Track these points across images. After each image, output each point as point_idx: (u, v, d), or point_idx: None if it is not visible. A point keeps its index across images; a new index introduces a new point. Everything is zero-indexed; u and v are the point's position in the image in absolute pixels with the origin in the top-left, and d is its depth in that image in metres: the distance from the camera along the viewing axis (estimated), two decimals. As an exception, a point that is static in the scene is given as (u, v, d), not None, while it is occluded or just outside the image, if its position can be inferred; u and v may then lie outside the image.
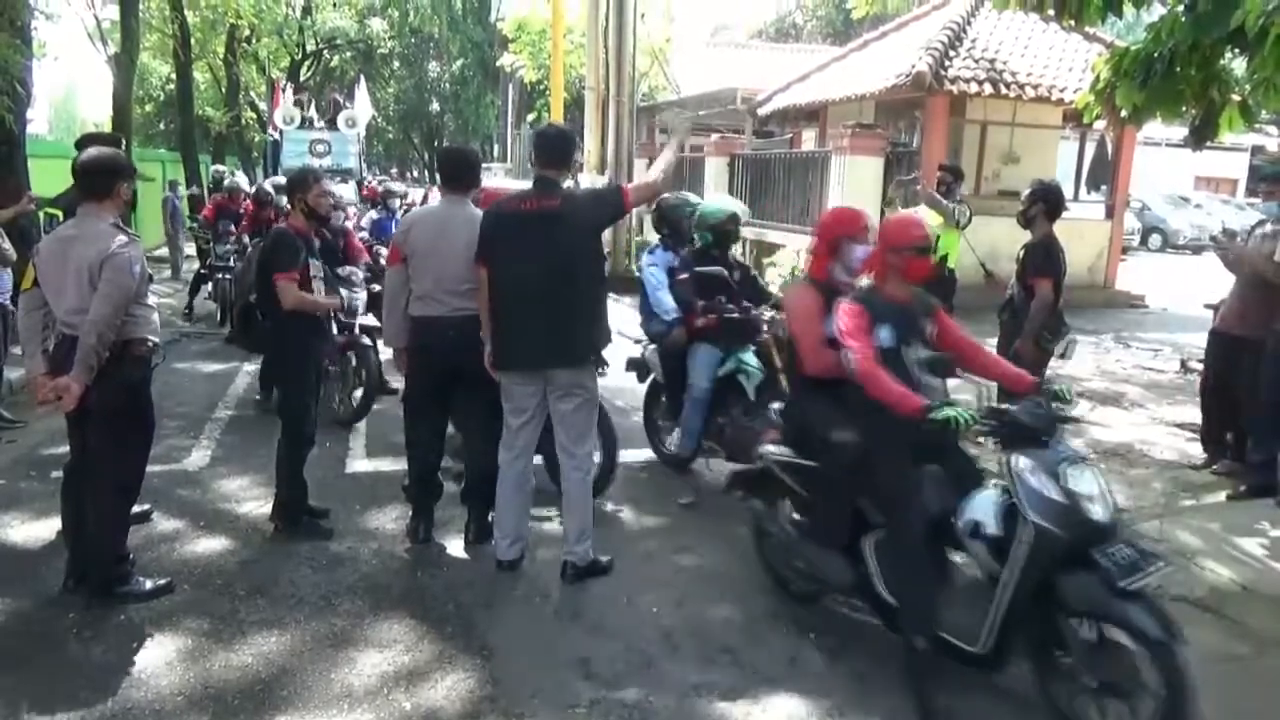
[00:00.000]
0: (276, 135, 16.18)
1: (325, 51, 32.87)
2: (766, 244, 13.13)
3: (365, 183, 8.71)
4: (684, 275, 5.24)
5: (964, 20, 12.89)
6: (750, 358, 5.11)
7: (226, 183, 11.21)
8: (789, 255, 11.59)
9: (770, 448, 3.74)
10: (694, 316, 5.16)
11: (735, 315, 5.11)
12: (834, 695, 3.27)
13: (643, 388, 5.81)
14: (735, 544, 4.52)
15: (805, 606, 3.91)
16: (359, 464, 5.63)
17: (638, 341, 5.71)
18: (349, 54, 34.01)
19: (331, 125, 16.57)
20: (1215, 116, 7.59)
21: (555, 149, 4.07)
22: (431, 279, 4.19)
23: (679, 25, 23.02)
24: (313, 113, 17.18)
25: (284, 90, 18.40)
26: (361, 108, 17.49)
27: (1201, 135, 8.11)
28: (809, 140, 16.73)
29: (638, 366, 5.73)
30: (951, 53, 12.18)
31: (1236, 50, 6.50)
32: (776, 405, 4.07)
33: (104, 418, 3.63)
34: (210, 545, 4.39)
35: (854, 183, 10.89)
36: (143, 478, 3.93)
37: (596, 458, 4.36)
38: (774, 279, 11.42)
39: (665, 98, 21.95)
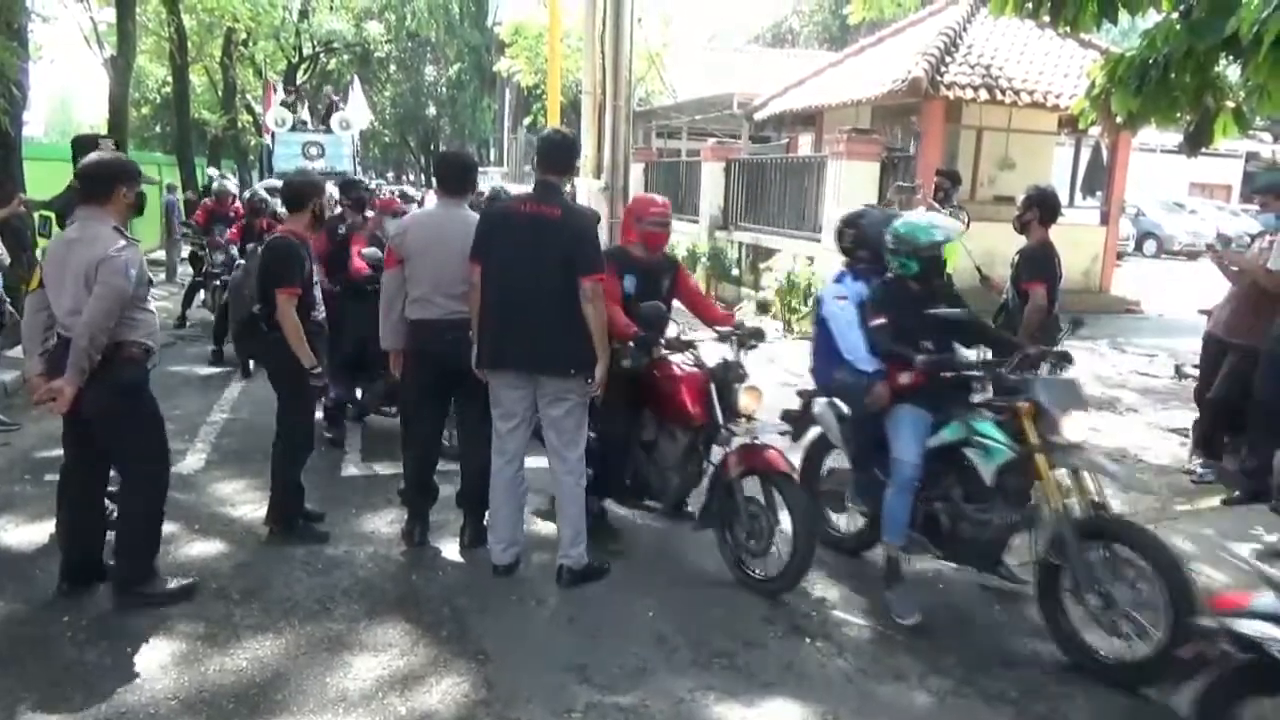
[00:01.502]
0: (267, 139, 16.13)
1: (322, 55, 32.86)
2: (763, 249, 13.14)
3: (374, 192, 8.05)
4: (880, 320, 3.99)
5: (960, 26, 12.92)
6: (989, 428, 3.76)
7: (215, 186, 10.86)
8: (786, 260, 11.60)
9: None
10: (898, 368, 3.93)
11: (967, 373, 3.96)
12: (829, 700, 3.28)
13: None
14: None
15: (802, 610, 3.91)
16: (354, 467, 5.62)
17: (802, 393, 4.61)
18: (346, 57, 33.99)
19: (325, 127, 16.27)
20: (1210, 123, 7.62)
21: (559, 154, 4.11)
22: (429, 282, 4.19)
23: (676, 30, 23.04)
24: (306, 114, 16.93)
25: (275, 91, 18.14)
26: (356, 109, 17.19)
27: (1196, 141, 8.14)
28: (805, 145, 16.75)
29: (796, 421, 4.57)
30: (947, 59, 12.20)
31: (1231, 57, 6.53)
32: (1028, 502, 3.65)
33: (103, 421, 3.63)
34: (205, 549, 4.39)
35: (850, 187, 10.90)
36: (168, 475, 3.94)
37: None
38: (769, 284, 11.44)
39: (662, 102, 21.99)
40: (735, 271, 13.90)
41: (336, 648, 3.52)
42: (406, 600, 3.93)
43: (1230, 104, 7.30)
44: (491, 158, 36.68)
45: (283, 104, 16.58)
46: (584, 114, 14.33)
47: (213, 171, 17.06)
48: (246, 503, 4.94)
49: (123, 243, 3.58)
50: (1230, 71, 6.71)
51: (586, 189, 12.19)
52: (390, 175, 46.03)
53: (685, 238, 14.25)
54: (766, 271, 11.87)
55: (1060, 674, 3.46)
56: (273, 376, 4.46)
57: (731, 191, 14.72)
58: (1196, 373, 6.10)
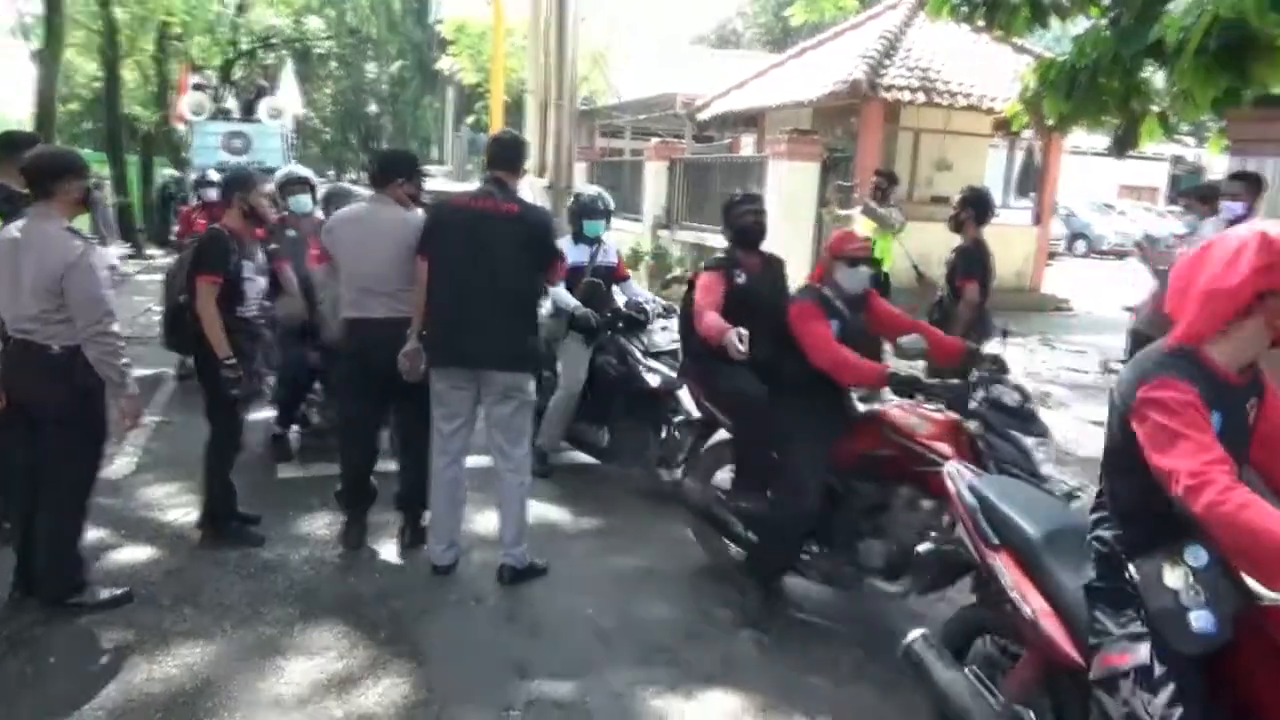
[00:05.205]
0: (181, 127, 14.37)
1: (259, 50, 32.18)
2: (706, 248, 13.21)
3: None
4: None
5: (899, 30, 13.17)
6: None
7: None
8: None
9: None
10: None
11: None
12: (768, 691, 3.31)
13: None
14: (671, 544, 4.56)
15: (744, 604, 3.95)
16: (291, 469, 5.52)
17: None
18: (284, 53, 33.33)
19: (250, 116, 14.45)
20: (1136, 127, 7.87)
21: (509, 153, 4.15)
22: (362, 280, 4.14)
23: (621, 30, 23.03)
24: (231, 103, 15.30)
25: (190, 74, 16.42)
26: (288, 96, 15.51)
27: (1124, 144, 8.41)
28: (748, 145, 16.89)
29: None
30: (886, 62, 12.42)
31: (1156, 63, 6.75)
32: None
33: (57, 425, 3.52)
34: (134, 555, 4.26)
35: (791, 187, 11.03)
36: (94, 484, 3.80)
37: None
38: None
39: (606, 102, 21.99)
40: (678, 271, 13.96)
41: (270, 652, 3.45)
42: (343, 602, 3.87)
43: (1155, 109, 7.55)
44: (434, 156, 36.27)
45: (197, 87, 15.03)
46: (529, 113, 14.28)
47: (170, 172, 15.76)
48: (177, 507, 4.82)
49: (79, 244, 3.45)
50: (1156, 77, 6.95)
51: (530, 187, 12.13)
52: (331, 173, 45.23)
53: (629, 237, 14.26)
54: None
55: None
56: (199, 371, 4.35)
57: (675, 191, 14.79)
58: (1122, 368, 6.31)
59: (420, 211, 4.24)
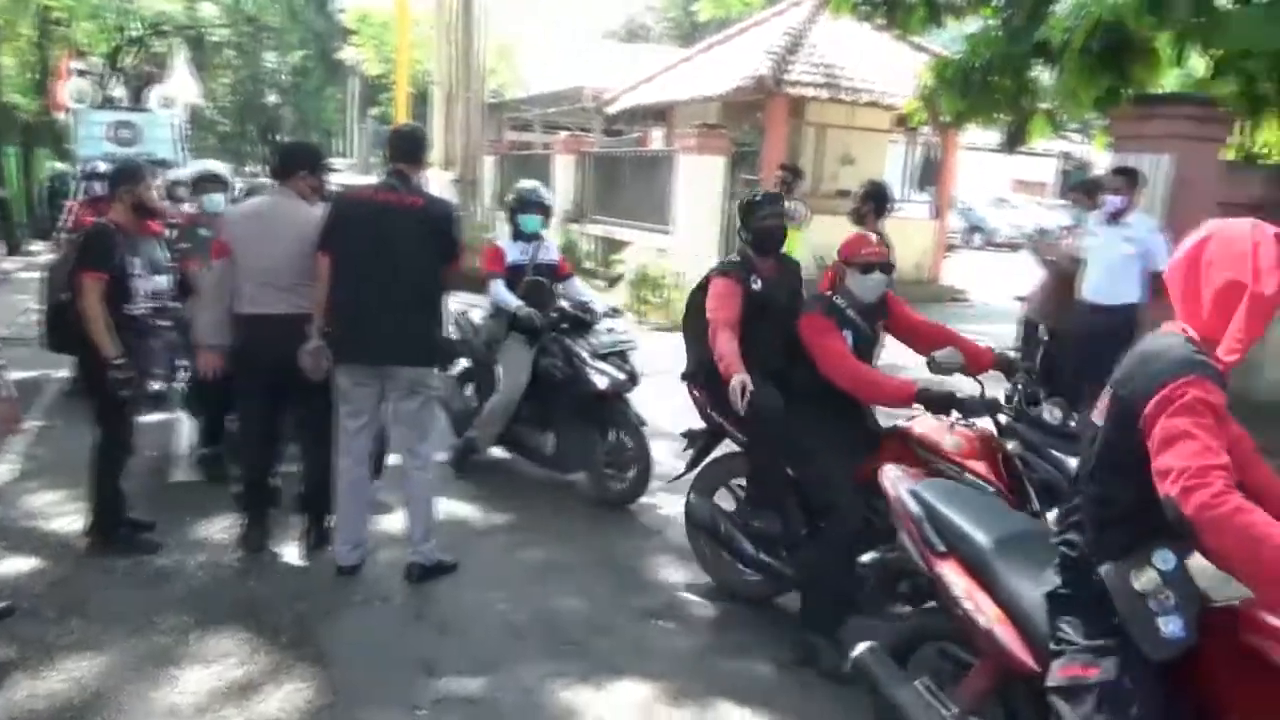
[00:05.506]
0: (63, 116, 13.39)
1: (150, 37, 30.79)
2: (615, 241, 13.25)
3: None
4: None
5: (803, 27, 13.40)
6: None
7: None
8: (637, 252, 11.74)
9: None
10: None
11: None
12: (679, 677, 3.35)
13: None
14: (579, 537, 4.58)
15: (650, 594, 3.99)
16: (187, 472, 5.31)
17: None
18: (177, 40, 31.97)
19: (140, 105, 13.54)
20: (1026, 124, 8.21)
21: (410, 145, 4.05)
22: (261, 275, 4.00)
23: (529, 22, 22.87)
24: (119, 91, 14.53)
25: (70, 61, 15.05)
26: (181, 84, 14.52)
27: (1014, 141, 8.76)
28: (658, 139, 16.99)
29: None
30: (791, 58, 12.64)
31: (1044, 63, 7.05)
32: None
33: None
34: (15, 566, 4.03)
35: (699, 181, 11.15)
36: None
37: None
38: (623, 273, 11.55)
39: (515, 95, 21.79)
40: (588, 264, 13.96)
41: (164, 662, 3.32)
42: (243, 608, 3.74)
43: (1044, 107, 7.89)
44: (338, 148, 35.38)
45: (80, 74, 13.87)
46: (435, 105, 14.04)
47: (57, 165, 14.54)
48: (62, 515, 4.57)
49: None
50: (1045, 77, 7.26)
51: (437, 181, 11.95)
52: (231, 167, 43.61)
53: (539, 231, 14.17)
54: (619, 264, 11.98)
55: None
56: (84, 373, 4.15)
57: (584, 185, 14.77)
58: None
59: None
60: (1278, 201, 5.60)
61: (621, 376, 4.86)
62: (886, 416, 3.77)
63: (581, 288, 5.50)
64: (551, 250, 5.48)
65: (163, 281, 4.29)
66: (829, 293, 3.71)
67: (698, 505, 3.96)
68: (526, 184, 5.55)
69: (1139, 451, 1.88)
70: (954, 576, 2.41)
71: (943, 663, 2.64)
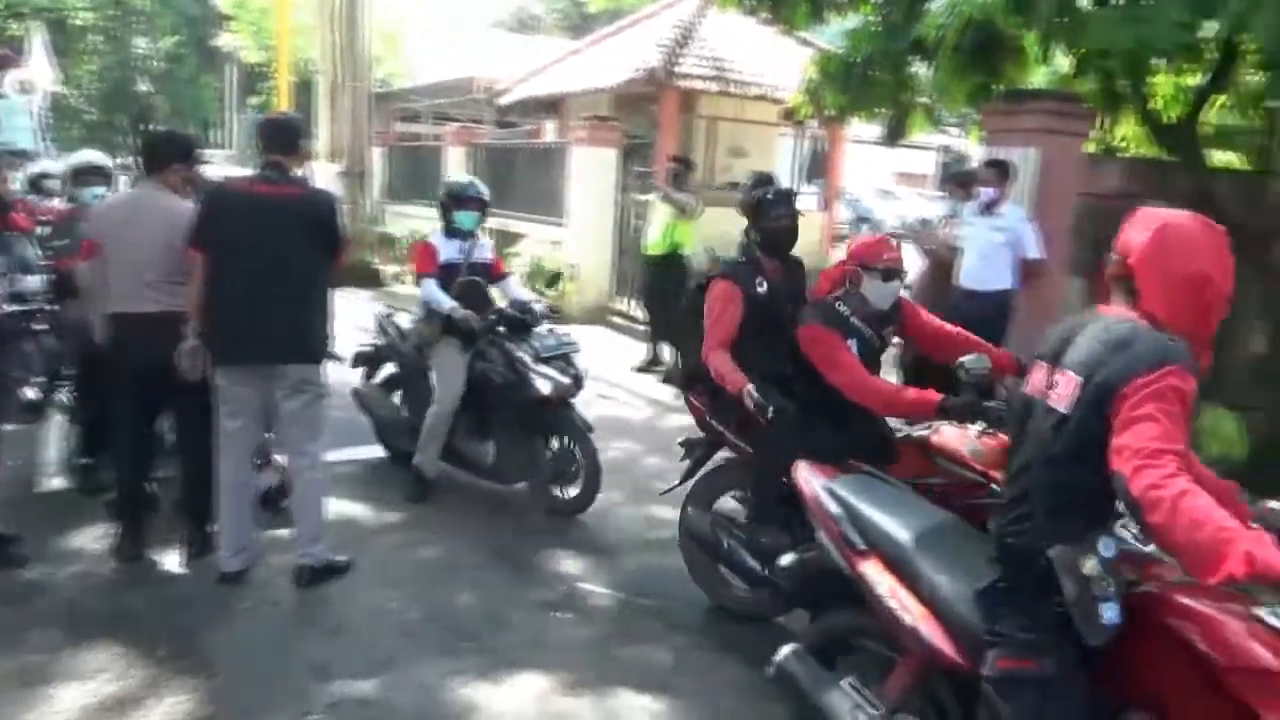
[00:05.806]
0: None
1: (6, 20, 28.81)
2: (510, 234, 13.12)
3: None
4: None
5: (692, 20, 13.52)
6: None
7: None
8: (531, 245, 11.67)
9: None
10: None
11: None
12: (577, 669, 3.36)
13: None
14: (476, 533, 4.54)
15: (548, 586, 3.99)
16: (54, 481, 5.01)
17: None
18: (36, 23, 29.99)
19: None
20: (906, 118, 8.49)
21: (283, 135, 3.87)
22: (129, 272, 3.81)
23: (416, 9, 22.36)
24: None
25: None
26: (39, 69, 13.76)
27: (895, 134, 9.05)
28: (550, 131, 16.90)
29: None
30: (681, 51, 12.75)
31: (921, 59, 7.30)
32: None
33: None
34: None
35: (592, 173, 11.14)
36: None
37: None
38: (517, 268, 11.45)
39: (402, 84, 21.31)
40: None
41: (34, 680, 3.13)
42: (118, 620, 3.56)
43: (923, 101, 8.17)
44: (215, 139, 33.86)
45: None
46: (319, 95, 13.60)
47: None
48: (-85, 530, 4.27)
49: None
50: (922, 72, 7.53)
51: (324, 173, 11.60)
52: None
53: (427, 224, 13.93)
54: (513, 256, 11.88)
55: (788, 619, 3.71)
56: None
57: (476, 176, 14.56)
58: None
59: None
60: (1134, 192, 5.95)
61: (566, 381, 4.65)
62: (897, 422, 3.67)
63: (519, 288, 5.28)
64: (486, 249, 5.23)
65: (34, 282, 4.03)
66: (829, 298, 3.52)
67: (695, 519, 3.78)
68: (461, 178, 5.33)
69: (1105, 436, 1.88)
70: (877, 575, 2.41)
71: (867, 661, 2.62)
